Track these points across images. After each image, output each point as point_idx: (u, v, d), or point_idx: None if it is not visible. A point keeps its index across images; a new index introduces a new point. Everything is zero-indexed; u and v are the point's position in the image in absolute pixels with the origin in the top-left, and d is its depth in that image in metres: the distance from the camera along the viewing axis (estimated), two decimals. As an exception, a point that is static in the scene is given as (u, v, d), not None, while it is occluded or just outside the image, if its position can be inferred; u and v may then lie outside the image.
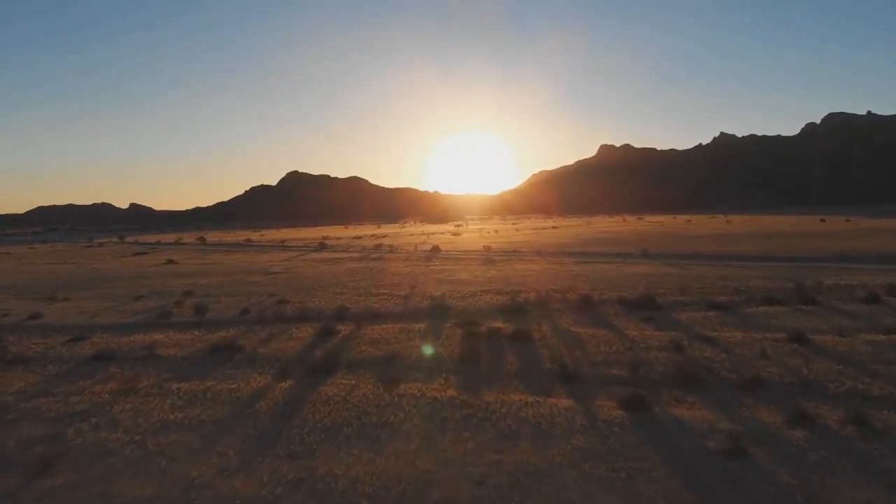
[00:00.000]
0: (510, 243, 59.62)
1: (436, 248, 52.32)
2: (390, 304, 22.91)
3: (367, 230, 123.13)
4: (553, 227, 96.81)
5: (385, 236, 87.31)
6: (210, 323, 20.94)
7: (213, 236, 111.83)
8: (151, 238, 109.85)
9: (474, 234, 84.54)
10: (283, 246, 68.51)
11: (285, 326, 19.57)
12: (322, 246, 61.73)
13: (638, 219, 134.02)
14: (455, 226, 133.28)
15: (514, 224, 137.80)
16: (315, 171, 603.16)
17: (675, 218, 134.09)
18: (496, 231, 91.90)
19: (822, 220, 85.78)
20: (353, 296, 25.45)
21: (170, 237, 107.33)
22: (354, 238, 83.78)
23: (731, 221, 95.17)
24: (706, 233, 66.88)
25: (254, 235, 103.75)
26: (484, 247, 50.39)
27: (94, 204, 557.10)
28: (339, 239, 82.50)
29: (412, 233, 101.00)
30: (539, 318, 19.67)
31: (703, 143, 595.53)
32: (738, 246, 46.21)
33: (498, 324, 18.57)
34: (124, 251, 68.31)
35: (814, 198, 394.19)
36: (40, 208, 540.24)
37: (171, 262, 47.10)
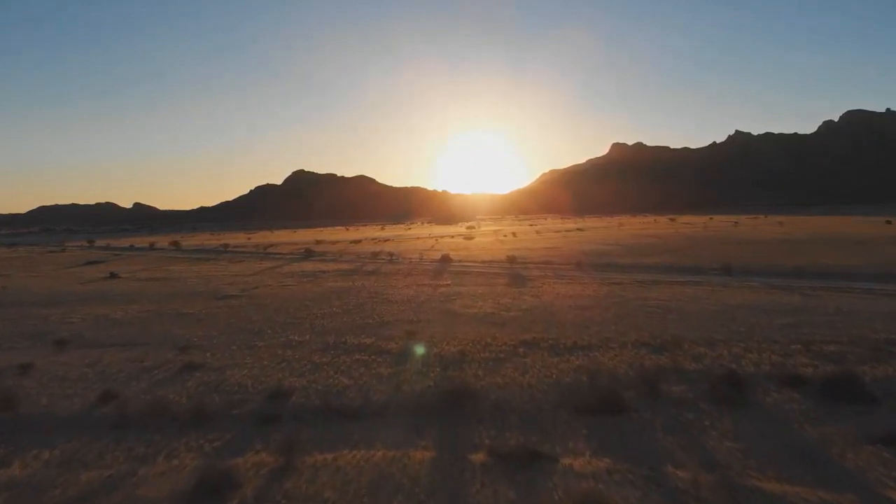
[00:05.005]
0: (535, 251, 49.58)
1: (446, 258, 42.37)
2: (369, 378, 12.92)
3: (369, 232, 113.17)
4: (579, 230, 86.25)
5: (387, 240, 77.39)
6: (26, 427, 11.17)
7: (200, 239, 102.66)
8: (132, 241, 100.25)
9: (489, 238, 74.26)
10: (265, 253, 58.75)
11: (151, 447, 9.82)
12: (308, 254, 51.85)
13: (670, 220, 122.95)
14: (467, 227, 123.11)
15: (531, 225, 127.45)
16: (321, 171, 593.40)
17: (711, 219, 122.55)
18: (514, 234, 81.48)
19: (888, 223, 74.95)
20: (311, 351, 15.55)
21: (150, 240, 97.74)
22: (352, 242, 73.77)
23: (783, 223, 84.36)
24: (769, 238, 56.42)
25: (242, 238, 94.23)
26: (507, 257, 40.39)
27: (98, 203, 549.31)
28: (334, 243, 72.64)
29: (419, 235, 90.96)
30: (659, 427, 9.80)
31: (718, 142, 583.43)
32: (834, 257, 35.93)
33: (583, 456, 8.74)
34: (81, 258, 58.76)
35: (833, 197, 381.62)
36: (42, 207, 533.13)
37: (112, 275, 37.44)
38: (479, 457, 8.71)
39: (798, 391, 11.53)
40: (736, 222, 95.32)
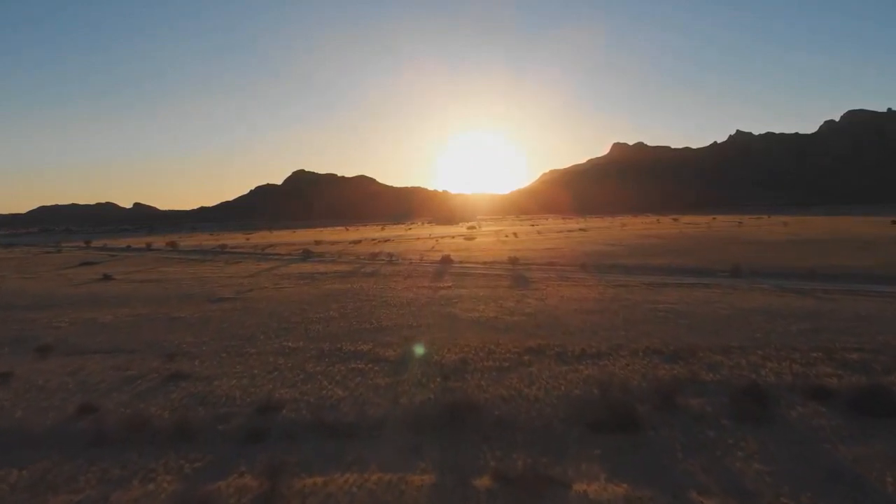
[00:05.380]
0: (538, 251, 48.78)
1: (446, 259, 41.60)
2: (364, 390, 12.13)
3: (369, 233, 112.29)
4: (581, 230, 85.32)
5: (387, 241, 76.56)
6: (-6, 442, 10.44)
7: (198, 239, 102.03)
8: (129, 242, 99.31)
9: (490, 239, 73.40)
10: (262, 254, 57.96)
11: (127, 468, 9.16)
12: (307, 255, 51.05)
13: (673, 220, 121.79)
14: (468, 228, 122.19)
15: (533, 226, 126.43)
16: (321, 170, 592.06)
17: (714, 219, 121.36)
18: (515, 234, 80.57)
19: (895, 223, 73.93)
20: (305, 359, 14.74)
21: (147, 240, 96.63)
22: (352, 243, 72.94)
23: (788, 224, 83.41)
24: (775, 239, 55.56)
25: (240, 239, 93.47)
26: (509, 258, 39.60)
27: (98, 203, 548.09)
28: (333, 244, 71.81)
29: (419, 236, 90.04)
30: (679, 447, 9.10)
31: (719, 141, 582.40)
32: (845, 259, 35.11)
33: (597, 480, 8.05)
34: (76, 259, 57.96)
35: (834, 197, 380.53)
36: (42, 207, 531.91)
37: (106, 277, 36.66)
38: (483, 481, 7.94)
39: (825, 404, 10.75)
40: (740, 222, 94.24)
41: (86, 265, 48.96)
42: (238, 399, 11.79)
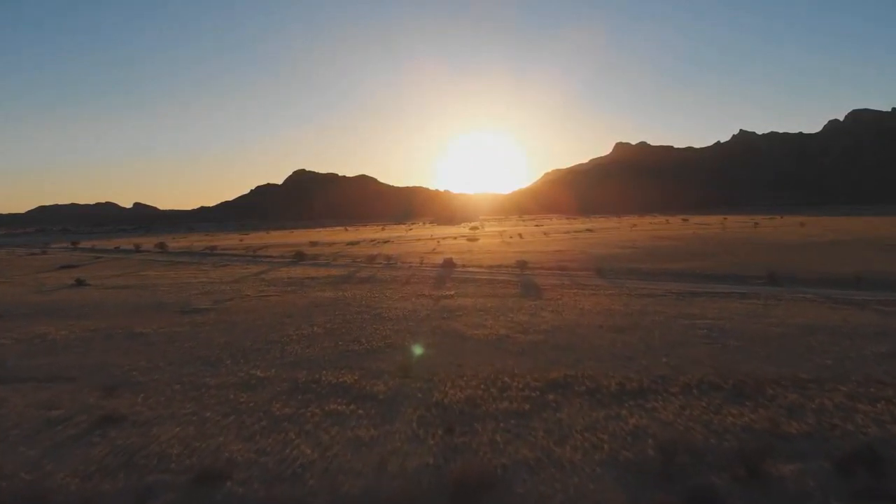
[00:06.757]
0: (546, 254, 45.84)
1: (448, 262, 38.72)
2: (342, 447, 9.22)
3: (369, 233, 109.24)
4: (588, 231, 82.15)
5: (387, 242, 73.59)
6: None
7: (191, 240, 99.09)
8: (121, 242, 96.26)
9: (494, 240, 70.35)
10: (253, 257, 55.08)
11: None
12: (298, 257, 48.13)
13: (683, 220, 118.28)
14: (471, 228, 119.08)
15: (537, 226, 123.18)
16: (322, 170, 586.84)
17: (726, 219, 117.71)
18: (520, 235, 77.46)
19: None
20: (273, 396, 11.86)
21: (139, 241, 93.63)
22: (349, 244, 69.97)
23: (805, 224, 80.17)
24: (798, 240, 52.60)
25: (234, 240, 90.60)
26: (517, 261, 36.64)
27: (98, 203, 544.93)
28: (330, 245, 68.85)
29: (420, 237, 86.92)
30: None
31: (722, 141, 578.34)
32: (879, 262, 32.32)
33: None
34: (57, 262, 55.20)
35: (839, 196, 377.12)
36: (42, 207, 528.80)
37: (79, 282, 33.88)
38: None
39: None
40: (756, 223, 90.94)
41: (65, 268, 46.20)
42: (174, 459, 8.90)
